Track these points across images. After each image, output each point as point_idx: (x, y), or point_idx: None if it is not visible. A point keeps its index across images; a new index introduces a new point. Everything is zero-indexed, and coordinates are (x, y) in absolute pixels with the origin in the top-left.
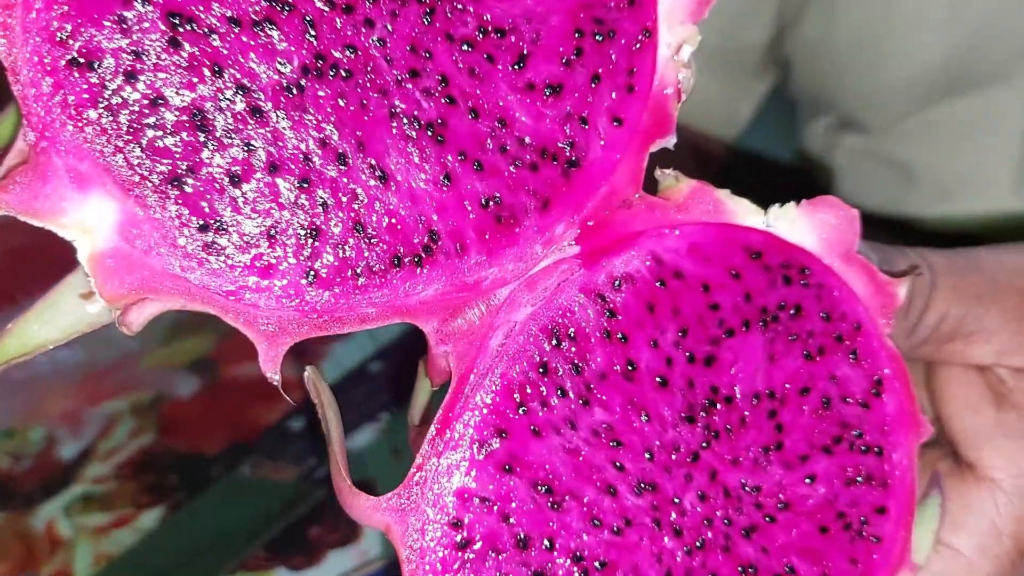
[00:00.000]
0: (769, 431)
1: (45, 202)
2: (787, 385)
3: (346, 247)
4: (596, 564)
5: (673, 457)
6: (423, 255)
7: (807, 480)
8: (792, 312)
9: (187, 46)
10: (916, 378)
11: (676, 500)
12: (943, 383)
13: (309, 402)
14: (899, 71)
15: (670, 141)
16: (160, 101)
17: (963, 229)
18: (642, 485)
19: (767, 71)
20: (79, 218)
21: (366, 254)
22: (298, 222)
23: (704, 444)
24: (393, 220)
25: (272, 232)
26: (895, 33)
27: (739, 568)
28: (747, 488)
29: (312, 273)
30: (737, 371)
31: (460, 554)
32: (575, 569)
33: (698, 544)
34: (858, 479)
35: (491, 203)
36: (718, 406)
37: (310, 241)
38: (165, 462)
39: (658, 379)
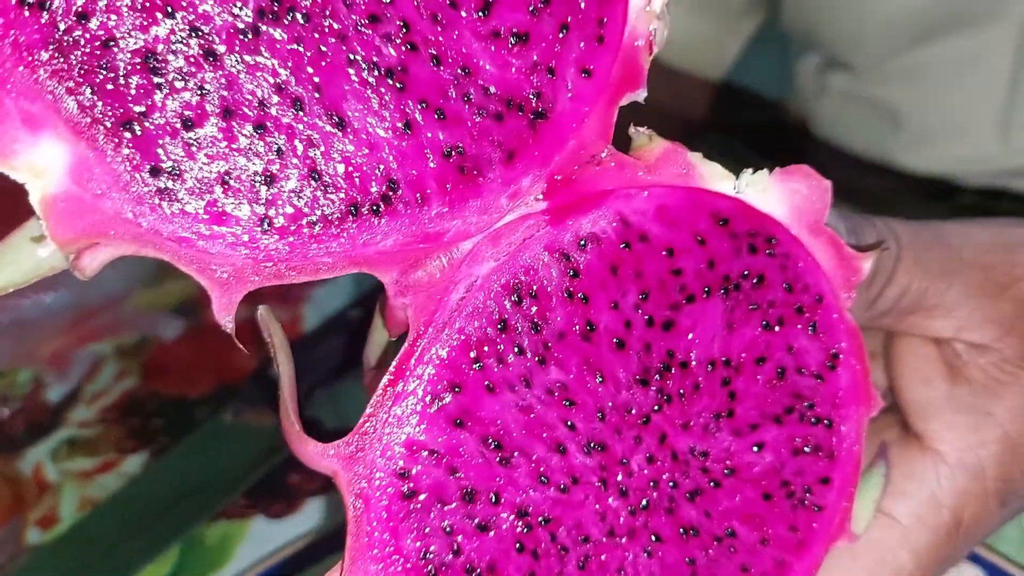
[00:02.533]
0: (722, 398)
1: None
2: (743, 354)
3: (302, 194)
4: (540, 520)
5: (624, 419)
6: (382, 204)
7: (755, 448)
8: (755, 281)
9: None
10: (874, 347)
11: (624, 461)
12: (900, 353)
13: (293, 346)
14: (884, 10)
15: (640, 95)
16: (112, 42)
17: (947, 173)
18: (591, 445)
19: (755, 10)
20: (30, 160)
21: (322, 202)
22: (253, 168)
23: (656, 408)
24: (350, 168)
25: (226, 178)
26: None
27: (681, 529)
28: (695, 453)
29: (267, 220)
30: (695, 337)
31: (406, 504)
32: (519, 523)
33: (642, 505)
34: (805, 449)
35: (454, 153)
36: (673, 371)
37: (265, 188)
38: (149, 406)
39: (615, 341)
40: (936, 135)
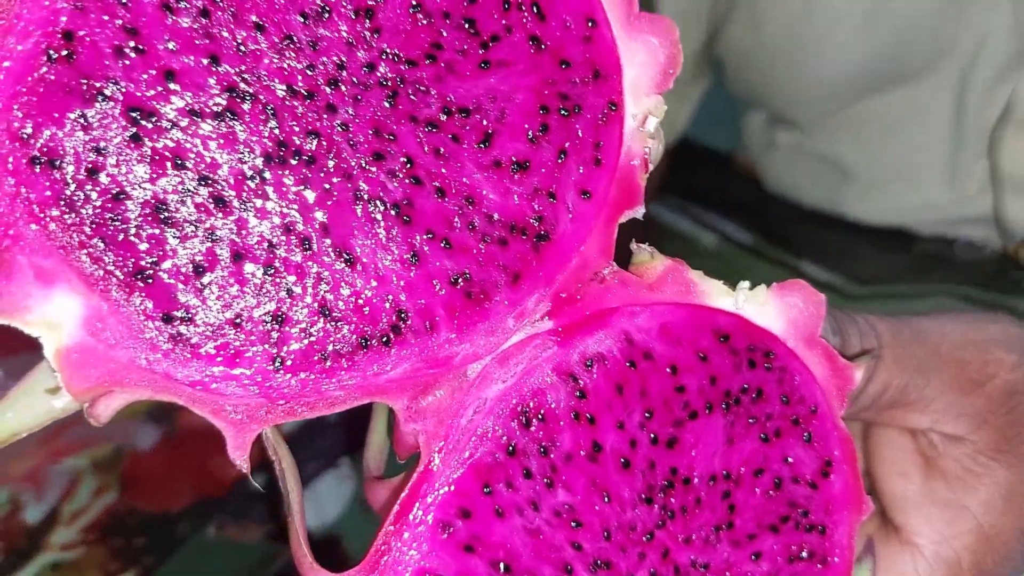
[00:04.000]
0: (722, 511)
1: (10, 300)
2: (743, 467)
3: (312, 332)
4: None
5: (629, 536)
6: (391, 335)
7: (753, 557)
8: (754, 395)
9: (148, 140)
10: (853, 436)
11: None
12: (878, 445)
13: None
14: (822, 71)
15: (639, 211)
16: (122, 195)
17: (898, 222)
18: (598, 563)
19: (701, 76)
20: (44, 314)
21: (333, 337)
22: (263, 309)
23: (660, 524)
24: (360, 301)
25: (237, 320)
26: (816, 35)
27: None
28: (696, 565)
29: (279, 359)
30: (697, 453)
31: None
32: None
33: None
34: (801, 555)
35: (460, 280)
36: (676, 487)
37: (276, 327)
38: (131, 523)
39: (622, 460)
40: (884, 185)
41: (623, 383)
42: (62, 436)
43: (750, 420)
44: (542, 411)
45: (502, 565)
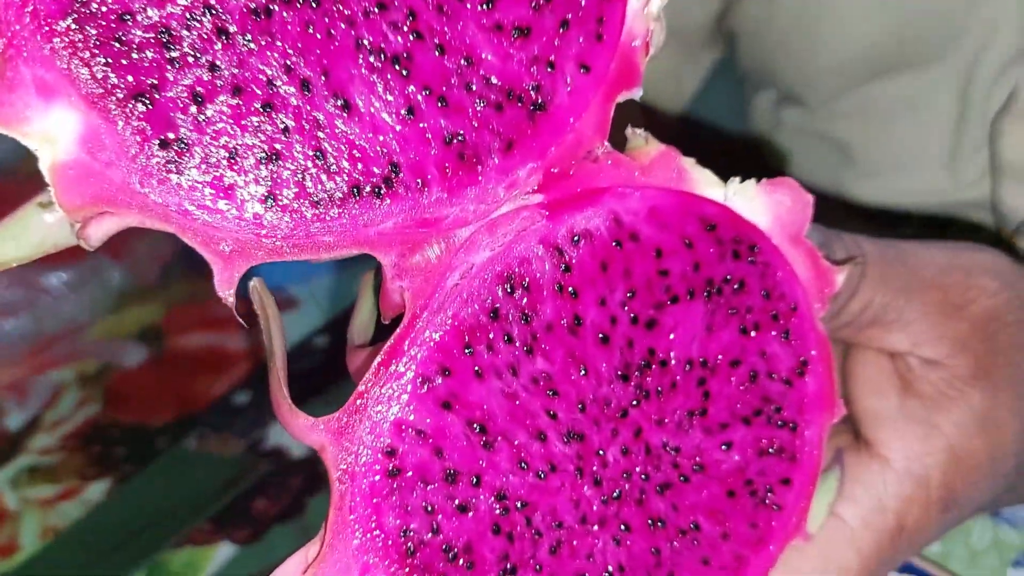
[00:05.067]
0: (696, 397)
1: (10, 110)
2: (720, 356)
3: (306, 173)
4: (517, 504)
5: (604, 411)
6: (383, 186)
7: (723, 446)
8: (736, 287)
9: None
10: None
11: (600, 452)
12: (856, 365)
13: (254, 375)
14: (833, 51)
15: (636, 93)
16: (128, 17)
17: (897, 205)
18: (571, 434)
19: (713, 45)
20: (43, 127)
21: (326, 181)
22: (260, 146)
23: (634, 402)
24: (354, 150)
25: (233, 154)
26: (833, 13)
27: (649, 520)
28: (668, 448)
29: (271, 196)
30: (676, 337)
31: (391, 480)
32: (497, 506)
33: (615, 495)
34: (770, 450)
35: (454, 140)
36: (652, 368)
37: (271, 165)
38: (111, 434)
39: (600, 336)
40: (885, 168)
41: (608, 261)
42: (49, 350)
43: (730, 311)
44: (526, 279)
45: (478, 425)
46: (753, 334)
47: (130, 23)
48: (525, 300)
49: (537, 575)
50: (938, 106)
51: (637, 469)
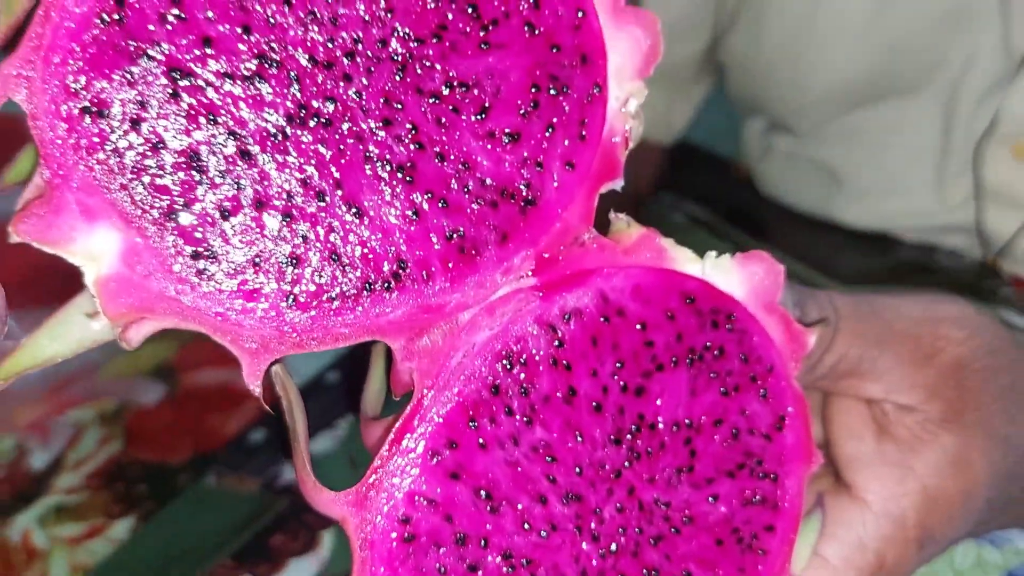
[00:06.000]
0: (684, 455)
1: (58, 232)
2: (704, 417)
3: (323, 274)
4: (523, 561)
5: (599, 473)
6: (392, 281)
7: (710, 499)
8: (716, 353)
9: (185, 97)
10: (813, 405)
11: (597, 510)
12: (834, 412)
13: (268, 414)
14: (818, 81)
15: (618, 184)
16: (160, 145)
17: (884, 227)
18: (569, 496)
19: (704, 77)
20: (87, 246)
21: (340, 280)
22: (280, 252)
23: (627, 463)
24: (366, 250)
25: (257, 260)
26: (817, 45)
27: (644, 570)
28: (659, 503)
29: (292, 297)
30: (663, 402)
31: (406, 546)
32: (504, 565)
33: (612, 549)
34: (754, 500)
35: (455, 236)
36: (642, 431)
37: (291, 269)
38: (133, 472)
39: (594, 404)
40: (873, 192)
41: (597, 336)
42: (67, 390)
43: (712, 375)
44: (524, 356)
45: (484, 492)
46: (734, 395)
47: (162, 150)
48: (523, 375)
49: None
50: (922, 132)
51: (632, 524)
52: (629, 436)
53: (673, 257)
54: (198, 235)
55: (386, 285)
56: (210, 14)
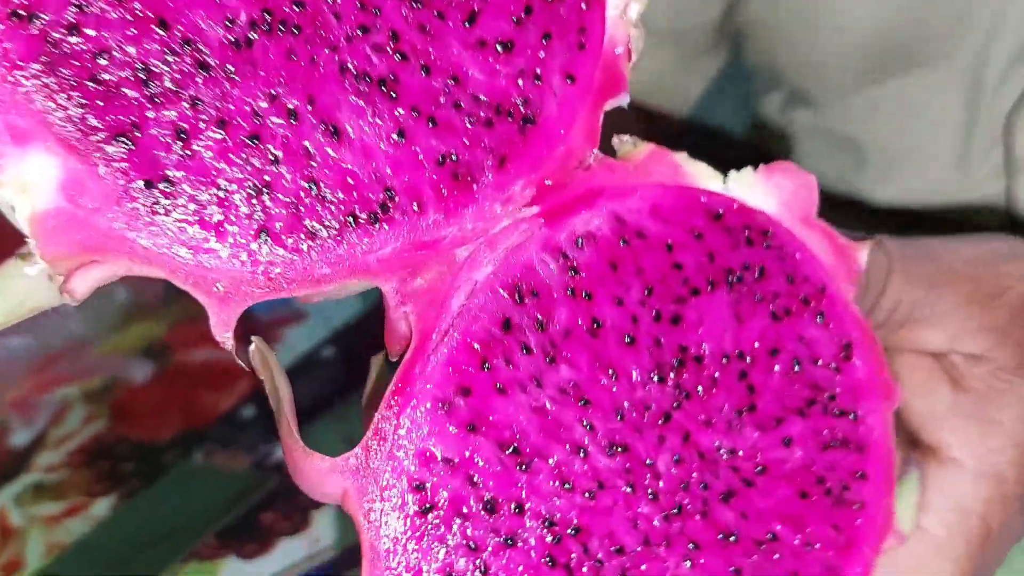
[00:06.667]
0: (740, 392)
1: None
2: (756, 345)
3: (299, 204)
4: (569, 530)
5: (644, 417)
6: (379, 212)
7: (783, 443)
8: (757, 274)
9: None
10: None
11: (649, 462)
12: (899, 370)
13: (262, 389)
14: (836, 42)
15: (623, 100)
16: (104, 55)
17: (909, 204)
18: (613, 446)
19: (719, 47)
20: (18, 175)
21: (320, 211)
22: (248, 179)
23: (675, 404)
24: (347, 177)
25: (222, 189)
26: (830, 5)
27: (719, 534)
28: (722, 451)
29: (264, 231)
30: (705, 330)
31: (423, 520)
32: (547, 534)
33: (675, 510)
34: (834, 443)
35: (447, 160)
36: (687, 365)
37: (261, 198)
38: (118, 450)
39: (625, 337)
40: (897, 167)
41: (616, 260)
42: (53, 368)
43: (756, 298)
44: (534, 286)
45: (510, 446)
46: (786, 319)
47: (106, 61)
48: (536, 307)
49: None
50: (948, 103)
51: (694, 477)
52: (672, 372)
53: (690, 172)
54: (151, 161)
55: (372, 217)
56: None
